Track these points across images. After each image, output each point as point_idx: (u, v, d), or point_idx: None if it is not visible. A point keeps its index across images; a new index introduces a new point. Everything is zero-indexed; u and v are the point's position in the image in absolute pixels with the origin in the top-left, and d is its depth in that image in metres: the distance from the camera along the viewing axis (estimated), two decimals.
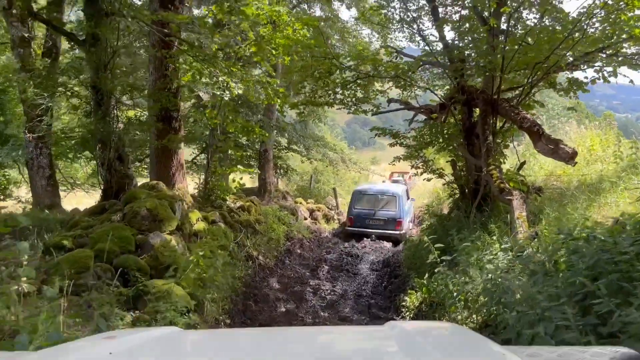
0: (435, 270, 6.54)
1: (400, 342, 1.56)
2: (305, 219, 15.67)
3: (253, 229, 10.86)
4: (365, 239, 14.27)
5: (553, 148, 6.51)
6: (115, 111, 7.71)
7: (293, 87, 10.26)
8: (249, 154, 19.31)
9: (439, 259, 6.25)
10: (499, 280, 5.00)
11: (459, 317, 5.82)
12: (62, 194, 12.27)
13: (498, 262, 5.74)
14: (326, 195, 21.88)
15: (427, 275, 6.98)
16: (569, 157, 6.21)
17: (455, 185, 9.95)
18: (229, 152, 12.15)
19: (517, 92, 8.81)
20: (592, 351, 1.37)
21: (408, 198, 16.17)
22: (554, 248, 4.86)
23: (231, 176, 28.99)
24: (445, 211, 11.72)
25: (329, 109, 22.63)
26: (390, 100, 11.73)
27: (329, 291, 9.04)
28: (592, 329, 3.44)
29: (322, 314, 7.81)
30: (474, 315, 5.49)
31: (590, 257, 4.01)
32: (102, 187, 7.99)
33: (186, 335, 1.95)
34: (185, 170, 10.29)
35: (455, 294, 5.56)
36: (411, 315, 7.04)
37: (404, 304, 7.38)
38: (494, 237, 6.32)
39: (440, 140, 9.69)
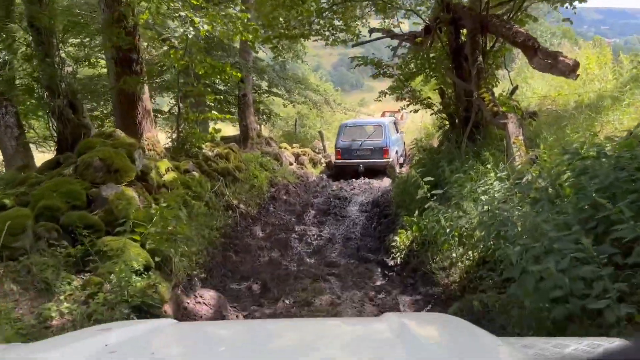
0: (426, 207, 5.98)
1: (397, 336, 1.53)
2: (291, 164, 15.03)
3: (233, 177, 10.22)
4: (353, 180, 13.77)
5: (551, 62, 5.80)
6: (58, 52, 6.84)
7: (263, 18, 9.33)
8: (228, 99, 18.42)
9: (428, 194, 5.67)
10: (497, 211, 4.43)
11: (454, 254, 5.30)
12: (40, 154, 11.48)
13: (494, 192, 5.17)
14: (313, 140, 21.16)
15: (417, 212, 6.43)
16: (570, 70, 5.51)
17: (444, 115, 9.27)
18: (206, 98, 11.29)
19: (507, 7, 7.99)
20: (588, 342, 1.34)
21: (397, 131, 16.04)
22: (557, 171, 4.27)
23: (217, 126, 28.07)
24: (436, 145, 11.10)
25: (308, 44, 21.50)
26: (372, 30, 10.84)
27: (315, 236, 8.54)
28: (610, 261, 2.89)
29: (308, 260, 7.32)
30: (470, 252, 4.96)
31: (604, 176, 3.42)
32: (55, 140, 7.24)
33: (182, 327, 1.98)
34: (153, 118, 9.51)
35: (448, 229, 5.01)
36: (402, 255, 6.54)
37: (393, 244, 6.88)
38: (489, 166, 5.72)
39: (427, 67, 8.91)
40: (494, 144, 7.79)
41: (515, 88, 8.29)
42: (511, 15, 7.58)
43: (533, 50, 6.21)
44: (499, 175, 5.58)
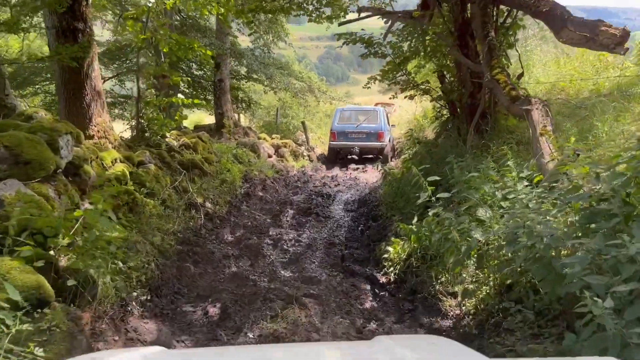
0: (429, 213, 4.78)
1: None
2: (270, 156, 13.74)
3: (200, 170, 8.92)
4: (338, 175, 12.62)
5: (588, 35, 4.61)
6: None
7: None
8: (204, 85, 17.05)
9: (433, 198, 4.46)
10: (531, 224, 3.23)
11: (466, 275, 4.11)
12: None
13: (522, 198, 3.98)
14: (296, 131, 19.87)
15: (415, 218, 5.23)
16: (617, 43, 4.32)
17: (442, 103, 8.07)
18: (170, 80, 9.93)
19: None
20: None
21: (389, 122, 16.21)
22: (616, 173, 3.08)
23: (195, 115, 26.59)
24: (431, 137, 9.91)
25: (295, 35, 20.15)
26: (360, 10, 9.58)
27: (293, 241, 7.29)
28: None
29: (282, 273, 6.06)
30: (491, 276, 3.76)
31: None
32: None
33: (171, 355, 1.92)
34: (105, 101, 8.14)
35: (462, 247, 3.80)
36: (396, 271, 5.33)
37: (386, 255, 5.67)
38: (509, 163, 4.52)
39: (423, 48, 7.68)
40: (503, 136, 6.63)
41: (521, 75, 7.14)
42: None
43: (562, 22, 5.02)
44: (522, 175, 4.40)
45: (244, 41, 17.99)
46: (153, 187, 6.89)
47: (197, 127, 16.75)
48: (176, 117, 8.99)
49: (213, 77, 15.31)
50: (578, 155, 3.76)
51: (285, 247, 7.06)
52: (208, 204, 7.97)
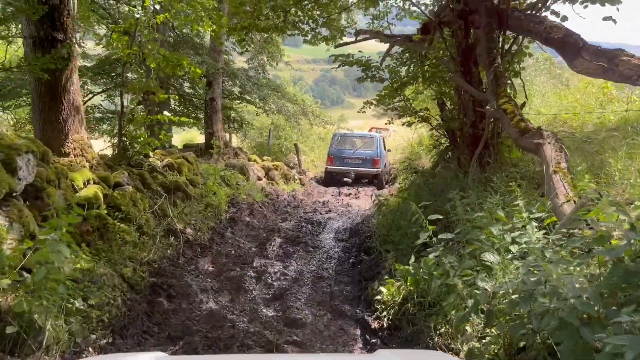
0: (428, 252, 4.30)
1: None
2: (260, 179, 13.26)
3: (184, 193, 8.41)
4: (329, 201, 12.17)
5: (606, 65, 4.22)
6: None
7: (228, 2, 7.65)
8: (195, 104, 16.65)
9: (434, 238, 3.99)
10: (551, 280, 2.76)
11: (471, 332, 3.61)
12: None
13: (535, 243, 3.52)
14: (288, 153, 19.45)
15: (412, 258, 4.74)
16: (639, 74, 3.93)
17: (442, 131, 7.67)
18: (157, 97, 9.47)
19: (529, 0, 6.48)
20: None
21: (385, 148, 16.53)
22: None
23: (187, 133, 26.06)
24: (426, 166, 9.50)
25: (292, 57, 19.89)
26: (358, 32, 9.26)
27: (278, 274, 6.75)
28: None
29: (264, 312, 5.51)
30: (501, 334, 3.26)
31: None
32: None
33: None
34: (84, 117, 7.64)
35: (468, 299, 3.30)
36: (390, 316, 4.81)
37: (379, 297, 5.15)
38: (519, 202, 4.06)
39: (421, 73, 7.30)
40: (506, 169, 6.20)
41: (523, 105, 6.76)
42: (535, 10, 6.06)
43: (576, 50, 4.64)
44: (534, 216, 3.95)
45: (240, 61, 17.69)
46: (129, 211, 6.38)
47: (187, 146, 16.28)
48: (160, 136, 8.50)
49: (205, 95, 14.89)
50: (600, 197, 3.31)
51: (269, 280, 6.52)
52: (189, 230, 7.44)
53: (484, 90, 6.33)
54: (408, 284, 4.62)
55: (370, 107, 9.37)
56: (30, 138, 5.09)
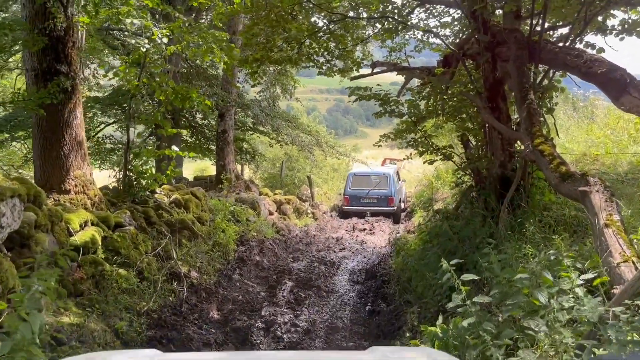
0: (461, 316, 3.75)
1: None
2: (271, 213, 12.79)
3: (190, 231, 7.96)
4: (344, 238, 11.66)
5: None
6: None
7: (240, 34, 7.35)
8: (207, 135, 16.39)
9: (467, 301, 3.46)
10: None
11: None
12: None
13: (590, 312, 2.97)
14: (301, 185, 19.01)
15: (440, 318, 4.18)
16: None
17: (465, 170, 7.17)
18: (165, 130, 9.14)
19: (559, 32, 6.06)
20: None
21: (399, 179, 17.12)
22: None
23: (196, 164, 25.82)
24: (447, 202, 8.95)
25: (305, 87, 19.64)
26: (374, 64, 8.89)
27: (288, 325, 6.19)
28: None
29: None
30: None
31: None
32: None
33: (166, 358, 1.93)
34: (87, 151, 7.29)
35: None
36: None
37: None
38: (566, 262, 3.52)
39: (447, 105, 6.85)
40: (539, 214, 5.65)
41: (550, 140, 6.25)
42: (569, 43, 5.61)
43: (623, 86, 4.16)
44: (585, 277, 3.41)
45: (253, 92, 17.48)
46: (129, 254, 5.93)
47: (197, 179, 15.96)
48: (167, 172, 8.11)
49: (217, 127, 14.61)
50: None
51: (279, 332, 5.96)
52: (194, 273, 6.95)
53: (513, 127, 5.85)
54: (435, 347, 4.05)
55: (386, 141, 8.94)
56: (21, 179, 4.70)
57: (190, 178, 16.50)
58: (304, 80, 19.77)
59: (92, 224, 5.73)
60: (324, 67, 8.17)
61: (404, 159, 9.11)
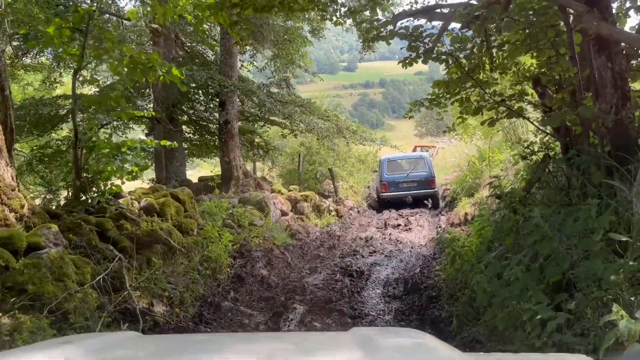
0: None
1: (357, 345, 1.56)
2: (285, 214, 10.69)
3: (165, 245, 5.93)
4: (374, 238, 9.50)
5: None
6: None
7: None
8: (210, 128, 14.43)
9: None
10: None
11: None
12: None
13: None
14: (323, 179, 16.87)
15: None
16: None
17: (543, 130, 4.88)
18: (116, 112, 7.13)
19: None
20: (554, 358, 1.43)
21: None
22: None
23: (210, 165, 24.01)
24: (512, 185, 6.60)
25: (321, 70, 17.46)
26: (396, 17, 6.69)
27: None
28: None
29: None
30: None
31: None
32: None
33: (146, 340, 1.89)
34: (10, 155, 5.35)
35: None
36: None
37: None
38: None
39: (516, 36, 4.57)
40: None
41: None
42: None
43: None
44: None
45: (259, 78, 15.45)
46: (45, 291, 3.91)
47: (202, 179, 14.02)
48: (132, 169, 6.11)
49: (218, 118, 12.63)
50: None
51: None
52: (159, 307, 4.89)
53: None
54: None
55: (420, 110, 6.75)
56: None
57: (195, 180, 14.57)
58: (327, 77, 17.66)
59: None
60: (336, 15, 6.00)
61: (448, 130, 6.87)
